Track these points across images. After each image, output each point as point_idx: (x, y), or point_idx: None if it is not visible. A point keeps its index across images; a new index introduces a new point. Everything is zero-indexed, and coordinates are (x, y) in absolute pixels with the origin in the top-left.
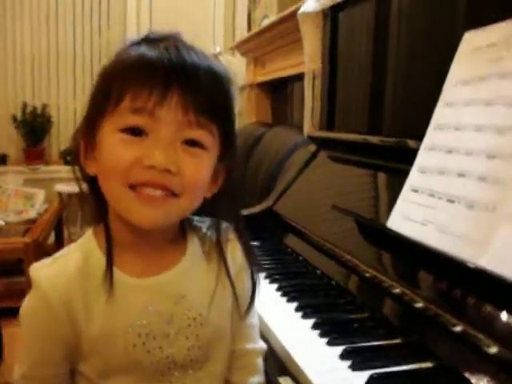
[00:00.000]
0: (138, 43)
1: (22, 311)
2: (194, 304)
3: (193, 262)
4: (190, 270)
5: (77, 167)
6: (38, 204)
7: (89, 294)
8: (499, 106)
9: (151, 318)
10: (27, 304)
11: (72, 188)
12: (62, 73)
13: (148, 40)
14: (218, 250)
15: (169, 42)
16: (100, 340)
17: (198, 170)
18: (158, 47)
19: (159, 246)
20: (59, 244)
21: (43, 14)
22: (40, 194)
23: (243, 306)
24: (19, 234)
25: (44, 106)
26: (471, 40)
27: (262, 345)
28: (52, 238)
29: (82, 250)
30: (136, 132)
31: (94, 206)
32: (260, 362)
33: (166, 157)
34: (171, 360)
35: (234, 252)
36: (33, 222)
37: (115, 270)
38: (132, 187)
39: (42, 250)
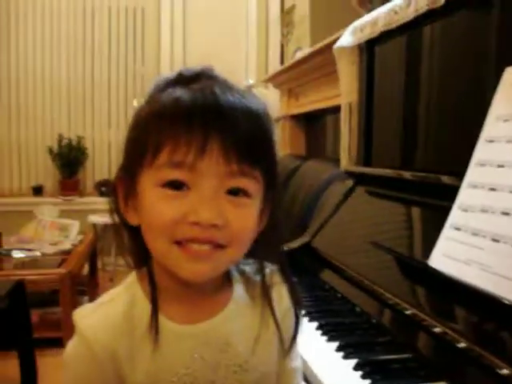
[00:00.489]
0: (172, 84)
1: (65, 355)
2: (240, 350)
3: (238, 306)
4: (236, 315)
5: (112, 200)
6: (72, 235)
7: (134, 341)
8: None
9: (196, 365)
10: (71, 349)
11: (106, 219)
12: (97, 106)
13: (182, 80)
14: (263, 294)
15: (203, 81)
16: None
17: (245, 220)
18: (192, 90)
19: (204, 293)
20: (93, 274)
21: (80, 47)
22: (75, 226)
23: (287, 347)
24: (54, 265)
25: (79, 138)
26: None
27: None
28: (86, 269)
29: (127, 296)
30: (177, 186)
31: (136, 251)
32: None
33: (211, 211)
34: None
35: (280, 296)
36: (68, 253)
37: (160, 317)
38: (178, 243)
39: (77, 281)
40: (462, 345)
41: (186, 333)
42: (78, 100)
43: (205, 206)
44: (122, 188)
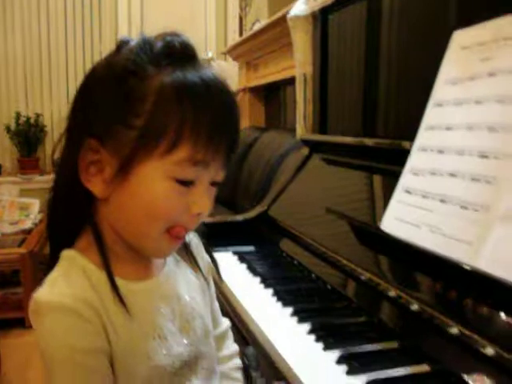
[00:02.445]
0: (165, 58)
1: (49, 348)
2: (187, 300)
3: (174, 263)
4: (175, 270)
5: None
6: (33, 214)
7: (105, 307)
8: (490, 104)
9: (159, 319)
10: (55, 334)
11: None
12: (55, 82)
13: (174, 55)
14: (187, 252)
15: (199, 65)
16: (124, 357)
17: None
18: (209, 84)
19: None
20: None
21: (35, 24)
22: (35, 204)
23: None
24: (15, 244)
25: (37, 116)
26: (460, 39)
27: (226, 321)
28: (48, 248)
29: (77, 270)
30: (188, 183)
31: (72, 217)
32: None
33: (209, 202)
34: (182, 359)
35: (201, 250)
36: (28, 232)
37: (117, 279)
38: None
39: (38, 260)
40: (414, 307)
41: (143, 289)
42: (35, 77)
43: (205, 197)
44: (91, 157)
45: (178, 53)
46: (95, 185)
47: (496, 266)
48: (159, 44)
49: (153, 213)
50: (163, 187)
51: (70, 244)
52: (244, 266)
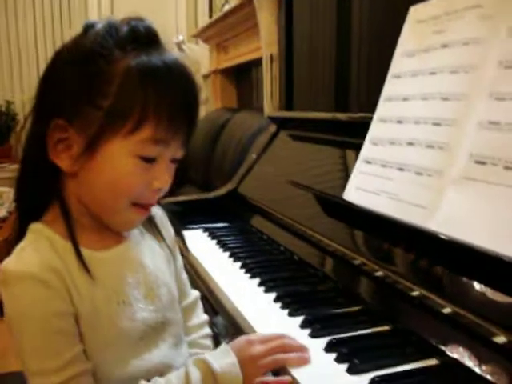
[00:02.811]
0: (131, 42)
1: (17, 314)
2: (151, 268)
3: (138, 233)
4: (139, 240)
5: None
6: (7, 203)
7: (70, 273)
8: (443, 75)
9: (124, 286)
10: (23, 302)
11: None
12: (25, 69)
13: (139, 40)
14: (150, 223)
15: (162, 49)
16: (89, 318)
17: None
18: (171, 66)
19: None
20: None
21: (1, 9)
22: (9, 193)
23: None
24: None
25: (8, 104)
26: (416, 13)
27: (195, 292)
28: None
29: (43, 241)
30: (150, 160)
31: (40, 192)
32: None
33: (170, 178)
34: (147, 324)
35: (166, 223)
36: (3, 220)
37: (82, 249)
38: (135, 204)
39: (13, 249)
40: (379, 273)
41: (108, 257)
42: (4, 64)
43: (165, 174)
44: (59, 135)
45: (143, 37)
46: (63, 160)
47: (449, 228)
48: (125, 28)
49: (118, 188)
50: (128, 164)
51: (37, 218)
52: (214, 241)
